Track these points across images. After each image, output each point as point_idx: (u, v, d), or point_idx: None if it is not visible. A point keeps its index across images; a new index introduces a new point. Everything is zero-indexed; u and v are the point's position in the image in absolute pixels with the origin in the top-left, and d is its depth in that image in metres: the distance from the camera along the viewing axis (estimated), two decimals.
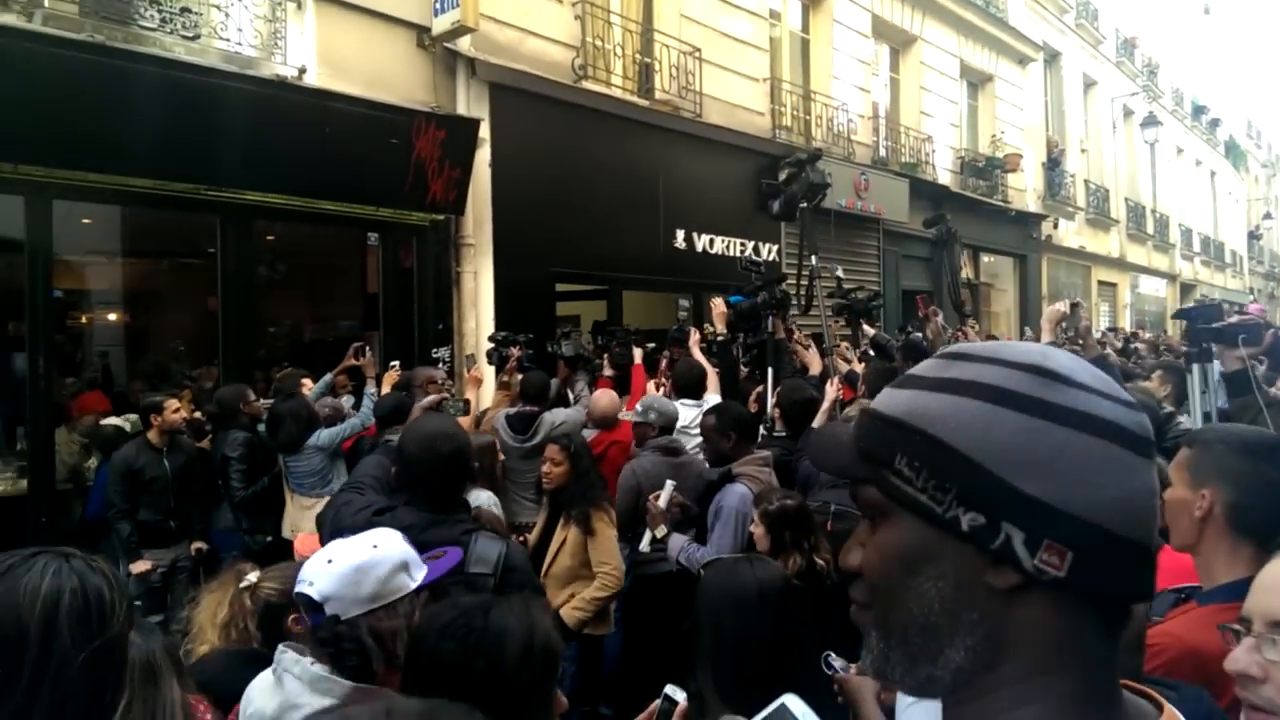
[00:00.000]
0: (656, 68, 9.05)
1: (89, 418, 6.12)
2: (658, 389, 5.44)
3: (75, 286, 8.08)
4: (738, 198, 9.97)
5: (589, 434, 4.79)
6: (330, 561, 1.67)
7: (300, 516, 5.07)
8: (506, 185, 7.50)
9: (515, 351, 5.63)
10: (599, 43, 8.42)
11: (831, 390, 4.66)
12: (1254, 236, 32.42)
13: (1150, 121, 20.18)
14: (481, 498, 3.56)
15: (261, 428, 5.25)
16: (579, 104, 8.11)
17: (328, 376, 5.99)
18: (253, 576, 2.28)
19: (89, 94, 4.90)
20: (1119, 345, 10.41)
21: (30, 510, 5.17)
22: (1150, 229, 22.33)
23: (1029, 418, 0.65)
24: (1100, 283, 20.03)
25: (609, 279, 8.85)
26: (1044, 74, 18.02)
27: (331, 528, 2.46)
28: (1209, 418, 3.41)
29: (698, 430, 4.59)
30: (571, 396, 5.96)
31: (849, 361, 6.63)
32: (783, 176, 8.35)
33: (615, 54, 8.63)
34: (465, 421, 4.54)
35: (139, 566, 4.86)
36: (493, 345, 5.91)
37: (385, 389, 5.33)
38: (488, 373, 6.18)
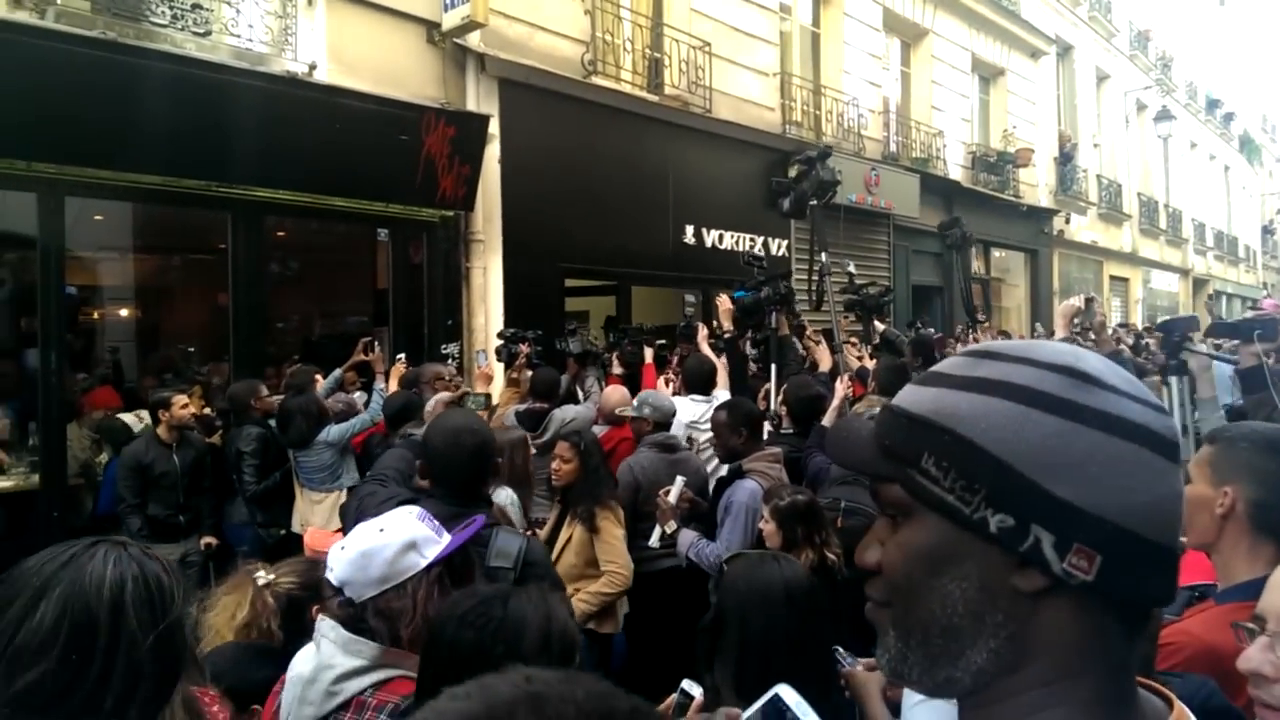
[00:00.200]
0: (666, 63, 9.02)
1: (99, 413, 6.16)
2: (667, 385, 5.43)
3: (87, 282, 8.12)
4: (747, 193, 9.94)
5: (599, 430, 4.79)
6: (343, 548, 1.77)
7: (310, 511, 5.10)
8: (516, 181, 7.50)
9: (524, 348, 5.63)
10: (609, 38, 8.40)
11: (841, 387, 4.65)
12: (1268, 231, 32.16)
13: (1164, 116, 20.04)
14: (501, 495, 3.56)
15: (273, 423, 5.27)
16: (589, 99, 8.10)
17: (337, 372, 6.01)
18: (262, 574, 2.29)
19: (101, 91, 4.92)
20: (1130, 342, 10.34)
21: (42, 505, 5.21)
22: (1163, 224, 22.17)
23: (1061, 420, 0.65)
24: (1112, 278, 19.90)
25: (618, 274, 8.85)
26: (1056, 68, 17.89)
27: (355, 518, 2.51)
28: (1185, 430, 3.38)
29: (707, 426, 4.59)
30: (581, 394, 5.96)
31: (860, 358, 6.61)
32: (793, 174, 8.32)
33: (625, 49, 8.62)
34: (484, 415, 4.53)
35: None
36: (502, 342, 5.91)
37: (393, 383, 5.35)
38: (498, 369, 6.18)
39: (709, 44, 9.38)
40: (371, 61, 6.51)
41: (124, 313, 8.85)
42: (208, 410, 6.21)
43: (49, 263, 5.17)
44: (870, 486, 0.78)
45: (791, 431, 4.56)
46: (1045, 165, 16.66)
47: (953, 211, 13.68)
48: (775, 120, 10.53)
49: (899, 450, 0.71)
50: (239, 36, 5.73)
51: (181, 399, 5.17)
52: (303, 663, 1.76)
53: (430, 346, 6.98)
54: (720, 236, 9.58)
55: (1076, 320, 4.94)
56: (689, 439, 4.70)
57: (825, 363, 6.06)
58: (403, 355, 5.72)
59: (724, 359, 5.32)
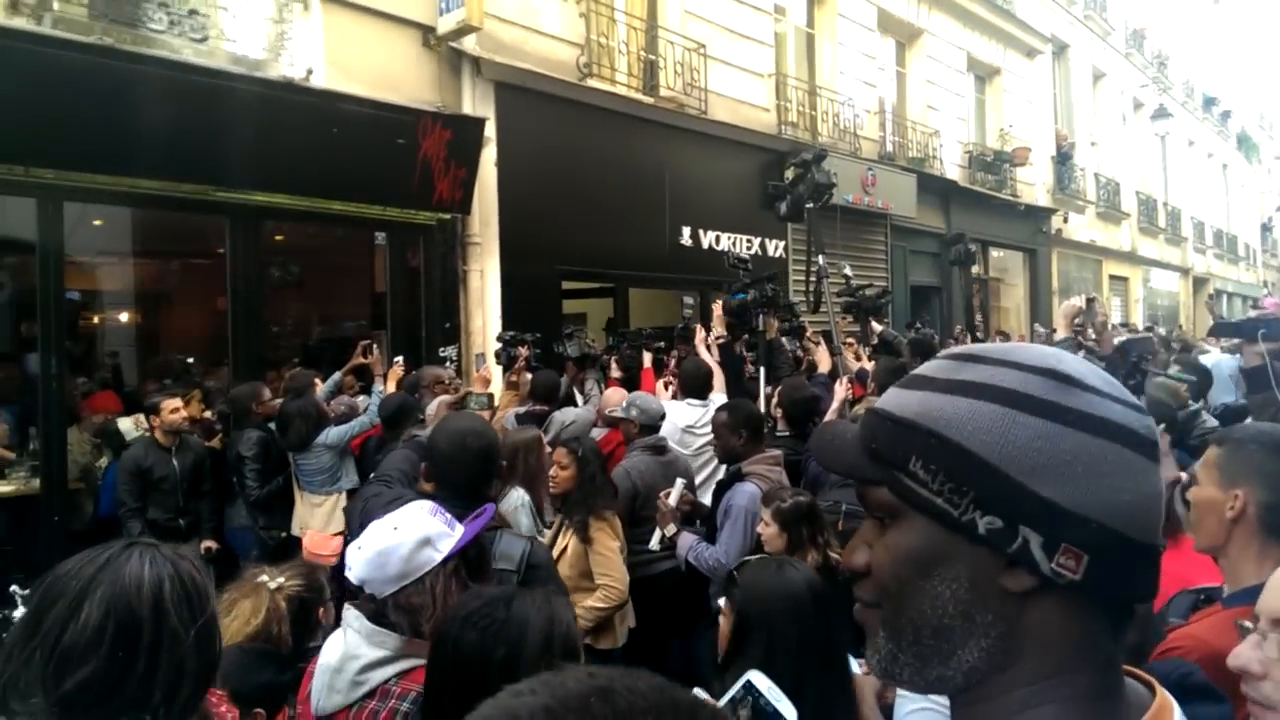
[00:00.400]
0: (661, 65, 9.03)
1: (99, 417, 6.17)
2: (666, 388, 5.43)
3: (87, 287, 8.13)
4: (744, 194, 9.95)
5: (599, 433, 4.79)
6: (360, 548, 1.81)
7: (309, 514, 5.10)
8: (512, 184, 7.50)
9: (523, 351, 5.64)
10: (604, 40, 8.41)
11: (841, 389, 4.65)
12: (1266, 229, 32.19)
13: (1161, 114, 20.05)
14: (514, 496, 3.57)
15: (273, 426, 5.27)
16: (584, 102, 8.11)
17: (336, 375, 6.02)
18: (266, 578, 2.31)
19: (98, 96, 4.93)
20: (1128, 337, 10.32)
21: (43, 509, 5.21)
22: (1162, 222, 22.18)
23: (1045, 422, 0.66)
24: (1112, 277, 19.90)
25: (615, 276, 8.86)
26: (1052, 66, 17.90)
27: (360, 519, 2.58)
28: None
29: (703, 430, 4.59)
30: (581, 397, 5.96)
31: (858, 358, 6.61)
32: (789, 177, 8.33)
33: (620, 51, 8.63)
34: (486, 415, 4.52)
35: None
36: (501, 345, 5.91)
37: (391, 385, 5.36)
38: (496, 372, 6.19)
39: (704, 46, 9.39)
40: (367, 66, 6.52)
41: (123, 317, 8.87)
42: (208, 414, 6.22)
43: (48, 268, 5.18)
44: (857, 490, 0.79)
45: (787, 434, 4.56)
46: (1043, 164, 16.67)
47: (950, 211, 13.69)
48: (771, 121, 10.54)
49: (886, 454, 0.72)
50: (235, 42, 5.73)
51: (171, 403, 5.15)
52: (330, 652, 1.82)
53: (428, 349, 6.99)
54: (717, 238, 9.59)
55: (1078, 320, 4.94)
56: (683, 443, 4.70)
57: (825, 364, 6.06)
58: (400, 358, 5.73)
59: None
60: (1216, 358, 7.43)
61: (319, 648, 2.36)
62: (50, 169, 5.04)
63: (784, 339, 6.30)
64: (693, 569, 3.77)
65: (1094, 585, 0.65)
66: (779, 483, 3.69)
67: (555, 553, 3.62)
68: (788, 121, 10.78)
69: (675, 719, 0.52)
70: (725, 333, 5.59)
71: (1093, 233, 18.72)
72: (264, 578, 2.30)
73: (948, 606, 0.68)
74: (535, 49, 7.78)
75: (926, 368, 0.76)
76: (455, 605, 1.65)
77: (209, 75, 5.45)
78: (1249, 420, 3.64)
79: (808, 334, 6.66)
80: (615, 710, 0.51)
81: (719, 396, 4.94)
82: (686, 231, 9.27)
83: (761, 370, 5.32)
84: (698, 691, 1.61)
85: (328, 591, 2.52)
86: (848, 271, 7.47)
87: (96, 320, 8.58)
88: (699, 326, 6.07)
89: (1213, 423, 4.36)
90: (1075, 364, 0.70)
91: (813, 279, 6.62)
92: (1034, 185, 16.24)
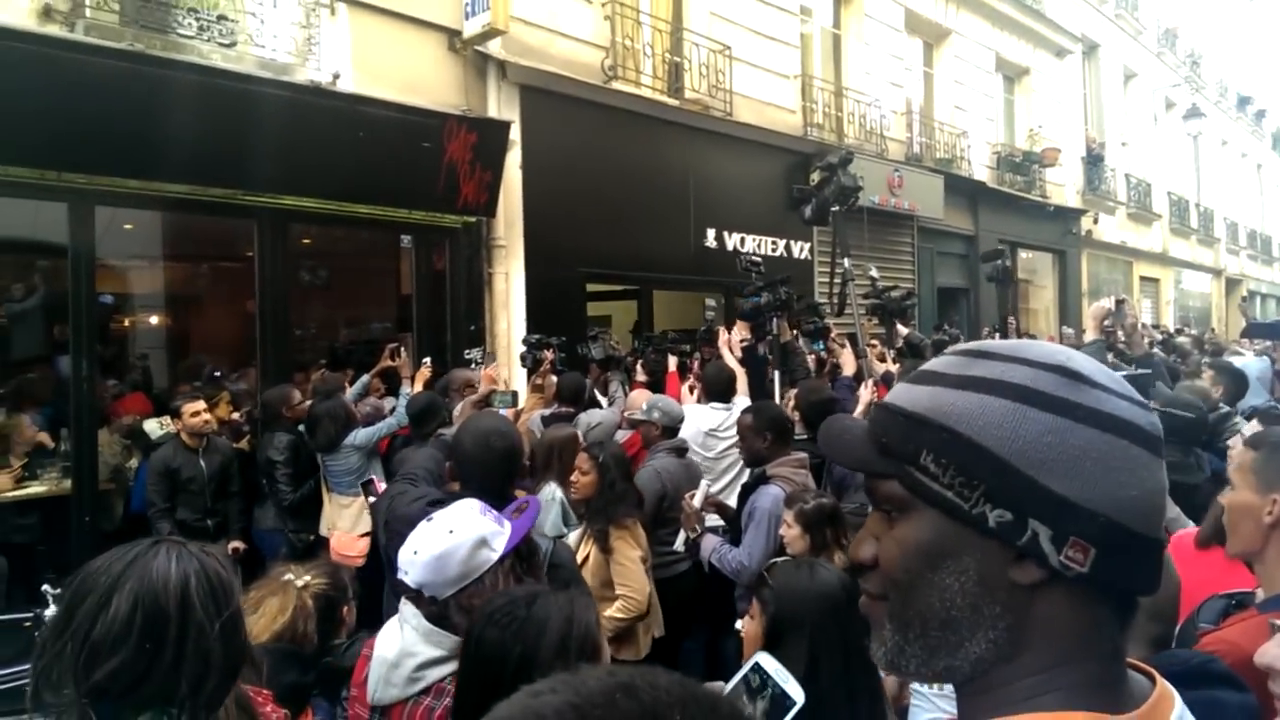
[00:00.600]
0: (686, 67, 9.01)
1: (129, 418, 6.24)
2: (691, 392, 5.41)
3: (117, 290, 8.25)
4: (769, 196, 9.90)
5: (624, 435, 4.78)
6: (416, 553, 1.84)
7: (337, 514, 5.14)
8: (537, 187, 7.52)
9: (548, 354, 5.64)
10: (629, 43, 8.41)
11: (866, 392, 4.60)
12: None
13: (1193, 113, 19.72)
14: (547, 493, 3.57)
15: (302, 428, 5.31)
16: (609, 105, 8.11)
17: (365, 378, 6.06)
18: (291, 575, 2.32)
19: (129, 102, 4.99)
20: (1158, 339, 10.13)
21: (74, 509, 5.28)
22: (1194, 223, 21.81)
23: (1055, 417, 0.67)
24: (1143, 278, 19.60)
25: (640, 279, 8.85)
26: (1083, 66, 17.67)
27: (386, 516, 2.61)
28: None
29: (726, 433, 4.57)
30: (605, 399, 5.96)
31: (884, 360, 6.55)
32: (814, 180, 8.27)
33: (645, 54, 8.62)
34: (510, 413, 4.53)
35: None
36: (526, 348, 5.92)
37: (418, 387, 5.38)
38: (519, 375, 6.20)
39: (729, 47, 9.36)
40: (394, 70, 6.56)
41: (154, 320, 8.99)
42: (235, 416, 6.28)
43: (80, 271, 5.25)
44: (865, 483, 0.80)
45: (805, 437, 4.53)
46: (1072, 165, 16.45)
47: (978, 212, 13.55)
48: (797, 123, 10.48)
49: (897, 448, 0.73)
50: (264, 47, 5.79)
51: (192, 406, 5.18)
52: (387, 645, 1.86)
53: (454, 352, 7.01)
54: (742, 240, 9.55)
55: (1108, 322, 4.86)
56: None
57: (850, 367, 6.01)
58: (429, 359, 5.75)
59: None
60: (1248, 360, 7.28)
61: (341, 645, 2.39)
62: (82, 174, 5.11)
63: (802, 341, 6.26)
64: (714, 571, 3.75)
65: (1101, 578, 0.67)
66: (804, 485, 3.66)
67: (579, 558, 3.59)
68: (813, 123, 10.71)
69: (699, 712, 0.53)
70: (749, 336, 5.55)
71: (1123, 234, 18.45)
72: (290, 576, 2.32)
73: (956, 599, 0.70)
74: (560, 52, 7.79)
75: (936, 363, 0.77)
76: (485, 601, 1.68)
77: (237, 80, 5.50)
78: None
79: (832, 335, 6.61)
80: (642, 706, 0.52)
81: (742, 399, 4.92)
82: (711, 234, 9.24)
83: (776, 374, 5.29)
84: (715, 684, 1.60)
85: (351, 591, 2.55)
86: (874, 274, 7.40)
87: (127, 323, 8.70)
88: (721, 328, 6.05)
89: (1245, 425, 4.27)
90: (1084, 361, 0.71)
91: (837, 282, 6.57)
92: (1063, 186, 16.03)
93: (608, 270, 8.41)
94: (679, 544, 3.87)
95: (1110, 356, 5.77)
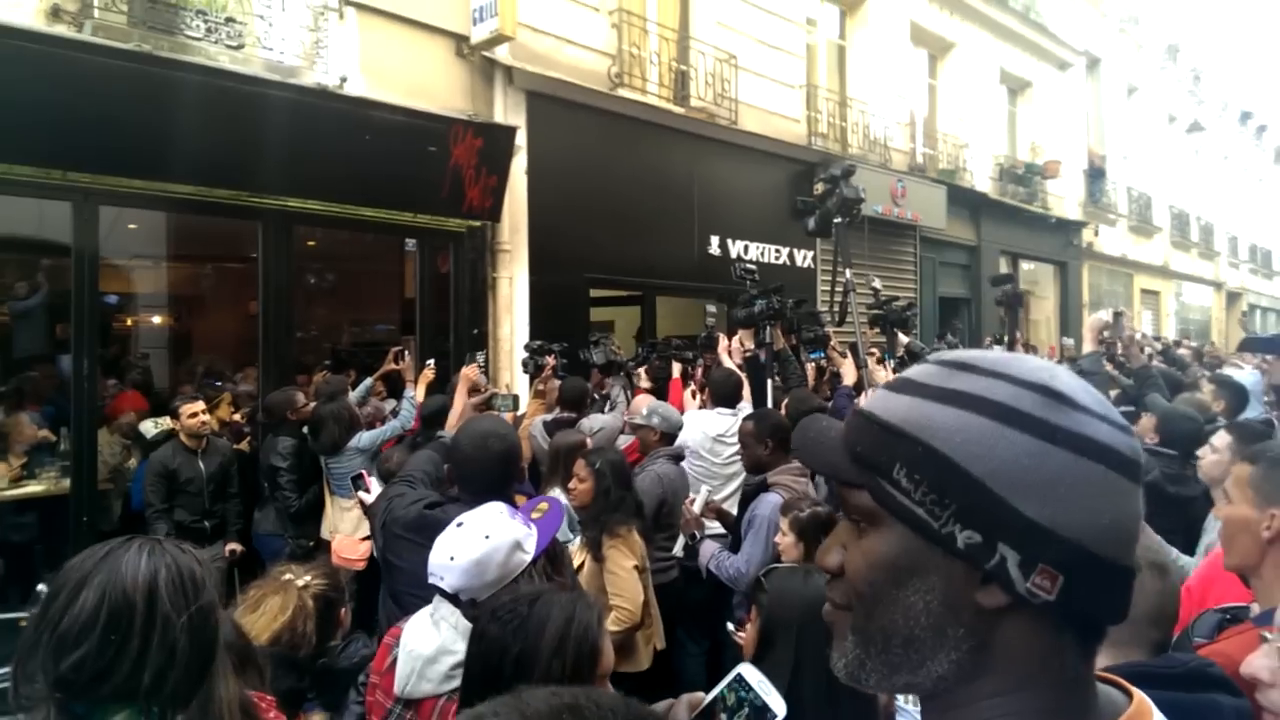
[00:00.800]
0: (692, 75, 9.04)
1: (125, 417, 6.23)
2: (694, 398, 5.42)
3: (121, 290, 8.27)
4: (773, 205, 9.92)
5: (626, 440, 4.78)
6: (452, 559, 1.86)
7: (340, 517, 5.13)
8: (542, 192, 7.54)
9: (550, 360, 5.65)
10: (635, 50, 8.44)
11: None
12: None
13: (1195, 128, 19.77)
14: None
15: (305, 429, 5.30)
16: (614, 111, 8.13)
17: (368, 381, 6.06)
18: (291, 576, 2.33)
19: (136, 102, 5.00)
20: (1158, 349, 10.13)
21: (72, 509, 5.27)
22: (1195, 237, 21.84)
23: (1034, 439, 0.65)
24: (1143, 291, 19.62)
25: (643, 285, 8.86)
26: (1085, 79, 17.72)
27: (383, 518, 2.60)
28: None
29: (733, 439, 4.57)
30: (607, 404, 5.96)
31: (882, 364, 6.55)
32: (817, 192, 8.28)
33: (651, 62, 8.65)
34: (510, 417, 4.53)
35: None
36: (528, 354, 5.93)
37: (421, 389, 5.38)
38: (506, 375, 6.20)
39: (735, 56, 9.39)
40: (401, 74, 6.58)
41: (156, 320, 9.01)
42: (236, 417, 6.29)
43: (83, 270, 5.24)
44: (836, 489, 0.79)
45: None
46: (1074, 177, 16.48)
47: (980, 223, 13.58)
48: (801, 132, 10.51)
49: (870, 458, 0.71)
50: (271, 50, 5.81)
51: (190, 408, 5.18)
52: (421, 640, 1.89)
53: (456, 355, 7.02)
54: (745, 247, 9.56)
55: (1105, 334, 4.86)
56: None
57: (850, 377, 6.01)
58: (432, 361, 5.75)
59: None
60: (1245, 374, 7.28)
61: (335, 647, 2.40)
62: (87, 173, 5.11)
63: (801, 349, 6.25)
64: (712, 577, 3.75)
65: (1068, 606, 0.65)
66: (804, 493, 3.65)
67: (575, 565, 3.54)
68: (818, 133, 10.74)
69: None
70: (753, 346, 5.56)
71: (1124, 246, 18.48)
72: (289, 575, 2.32)
73: (920, 618, 0.68)
74: (567, 59, 7.82)
75: (916, 372, 0.74)
76: (490, 599, 1.71)
77: (244, 82, 5.51)
78: None
79: (832, 344, 6.61)
80: None
81: (746, 406, 4.92)
82: (715, 241, 9.25)
83: (769, 382, 5.29)
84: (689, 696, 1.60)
85: (348, 593, 2.56)
86: (877, 284, 7.41)
87: (130, 323, 8.73)
88: (722, 335, 6.06)
89: (1216, 436, 4.29)
90: (1068, 380, 0.69)
91: (839, 292, 6.57)
92: (1065, 198, 16.06)
93: (611, 276, 8.42)
94: (678, 549, 3.88)
95: (1108, 367, 5.78)
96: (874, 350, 7.05)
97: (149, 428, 5.85)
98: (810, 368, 6.32)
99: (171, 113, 5.10)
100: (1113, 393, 5.74)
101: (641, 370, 6.18)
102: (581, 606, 1.61)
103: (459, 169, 6.63)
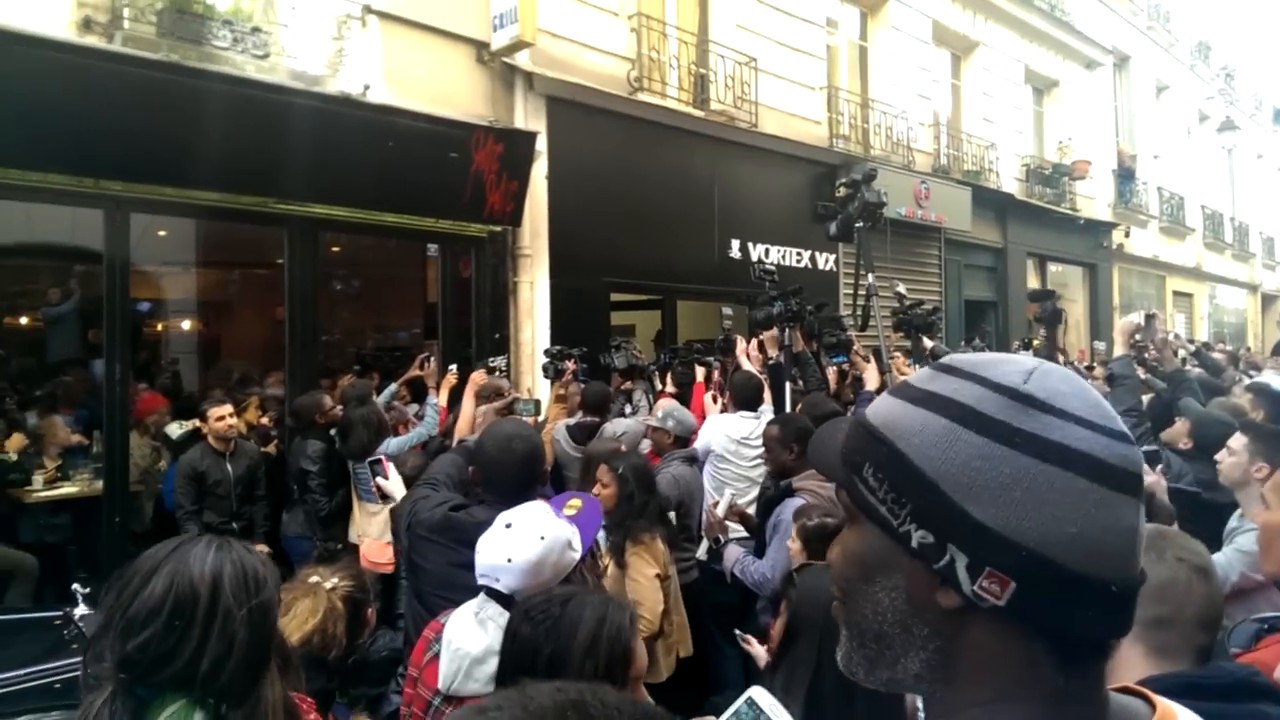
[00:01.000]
0: (712, 78, 9.03)
1: (152, 418, 6.30)
2: (715, 401, 5.40)
3: (151, 296, 8.40)
4: (794, 207, 9.89)
5: (649, 444, 4.78)
6: (510, 560, 1.88)
7: (367, 522, 5.13)
8: (562, 197, 7.57)
9: (570, 364, 5.66)
10: (655, 55, 8.45)
11: None
12: None
13: (1228, 126, 19.43)
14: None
15: (333, 432, 5.32)
16: (634, 116, 8.15)
17: (393, 386, 6.10)
18: (318, 579, 2.36)
19: (165, 111, 5.09)
20: (1191, 350, 9.91)
21: (105, 510, 5.36)
22: (1229, 237, 21.44)
23: (989, 441, 0.64)
24: (1176, 293, 19.28)
25: (664, 289, 8.86)
26: (1114, 78, 17.48)
27: (408, 520, 2.63)
28: None
29: (757, 442, 4.55)
30: (629, 408, 5.96)
31: (910, 368, 6.49)
32: (839, 195, 8.24)
33: (671, 65, 8.66)
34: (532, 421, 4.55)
35: None
36: (548, 359, 5.94)
37: (444, 394, 5.40)
38: (527, 379, 6.19)
39: (755, 59, 9.37)
40: (423, 81, 6.64)
41: (185, 325, 9.14)
42: (264, 420, 6.36)
43: (114, 277, 5.34)
44: (835, 489, 0.81)
45: None
46: (1103, 177, 16.25)
47: (1006, 225, 13.43)
48: (822, 134, 10.46)
49: (849, 458, 0.73)
50: (296, 58, 5.88)
51: (217, 411, 5.25)
52: (469, 640, 1.90)
53: (478, 359, 7.06)
54: (766, 251, 9.53)
55: (1138, 336, 4.78)
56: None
57: (873, 382, 5.96)
58: (454, 366, 5.78)
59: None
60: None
61: (364, 644, 2.43)
62: (118, 181, 5.21)
63: (822, 354, 6.21)
64: (737, 581, 3.73)
65: (1023, 614, 0.64)
66: (830, 499, 3.62)
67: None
68: (839, 134, 10.69)
69: None
70: (776, 352, 5.53)
71: (1156, 248, 18.17)
72: (317, 578, 2.35)
73: (887, 614, 0.69)
74: (587, 64, 7.85)
75: (913, 375, 0.76)
76: (524, 599, 1.73)
77: (270, 90, 5.60)
78: None
79: (855, 348, 6.57)
80: None
81: (767, 409, 4.91)
82: (735, 244, 9.23)
83: (787, 386, 5.26)
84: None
85: (373, 593, 2.58)
86: (901, 289, 7.35)
87: (160, 328, 8.86)
88: (740, 338, 6.04)
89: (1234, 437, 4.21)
90: (1048, 383, 0.67)
91: (861, 297, 6.55)
92: (1094, 199, 15.84)
93: (632, 280, 8.44)
94: (701, 552, 3.86)
95: (1140, 371, 5.68)
96: (897, 355, 7.01)
97: (174, 430, 5.94)
98: (832, 372, 6.28)
99: (199, 121, 5.19)
100: (1146, 397, 5.63)
101: (666, 375, 6.18)
102: (614, 608, 1.63)
103: (480, 174, 6.67)
